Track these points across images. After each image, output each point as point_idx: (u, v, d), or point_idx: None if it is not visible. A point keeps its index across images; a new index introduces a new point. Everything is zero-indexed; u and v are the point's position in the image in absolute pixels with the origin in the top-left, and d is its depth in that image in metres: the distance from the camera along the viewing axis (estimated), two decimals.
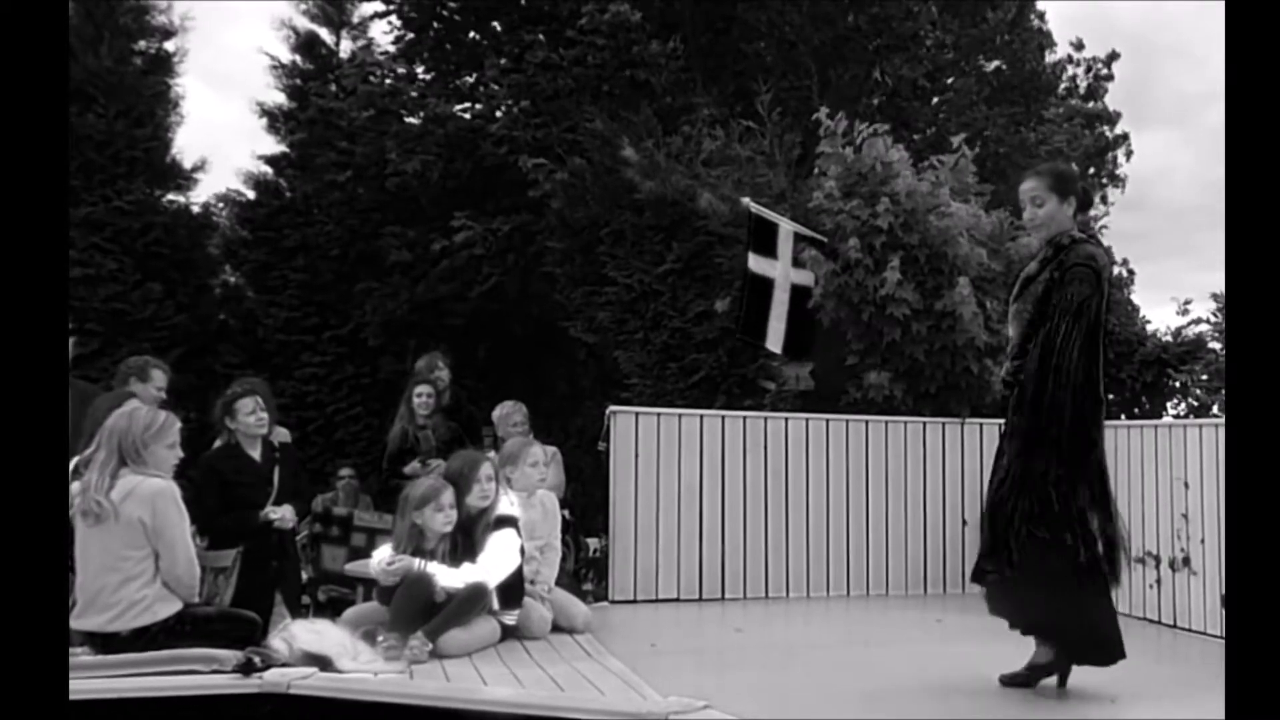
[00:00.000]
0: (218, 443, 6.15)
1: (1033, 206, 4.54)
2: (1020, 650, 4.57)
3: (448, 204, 11.70)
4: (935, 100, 13.52)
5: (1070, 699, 4.47)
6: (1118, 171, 15.66)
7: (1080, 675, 4.53)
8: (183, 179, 12.57)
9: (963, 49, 13.49)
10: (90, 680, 3.49)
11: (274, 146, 13.39)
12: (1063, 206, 4.49)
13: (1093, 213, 13.25)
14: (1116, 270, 9.45)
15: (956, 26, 13.15)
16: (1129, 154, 15.71)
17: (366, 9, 13.44)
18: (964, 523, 7.18)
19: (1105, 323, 4.46)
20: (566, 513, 7.00)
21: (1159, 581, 6.12)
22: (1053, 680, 4.50)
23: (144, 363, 6.12)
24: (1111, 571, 4.41)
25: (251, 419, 5.90)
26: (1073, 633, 4.42)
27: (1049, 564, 4.31)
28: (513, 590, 5.24)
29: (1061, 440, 4.31)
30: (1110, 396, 8.72)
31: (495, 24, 12.89)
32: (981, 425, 7.28)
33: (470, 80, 13.04)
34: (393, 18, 13.10)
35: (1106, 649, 4.44)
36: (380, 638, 4.67)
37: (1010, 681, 4.49)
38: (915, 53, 12.61)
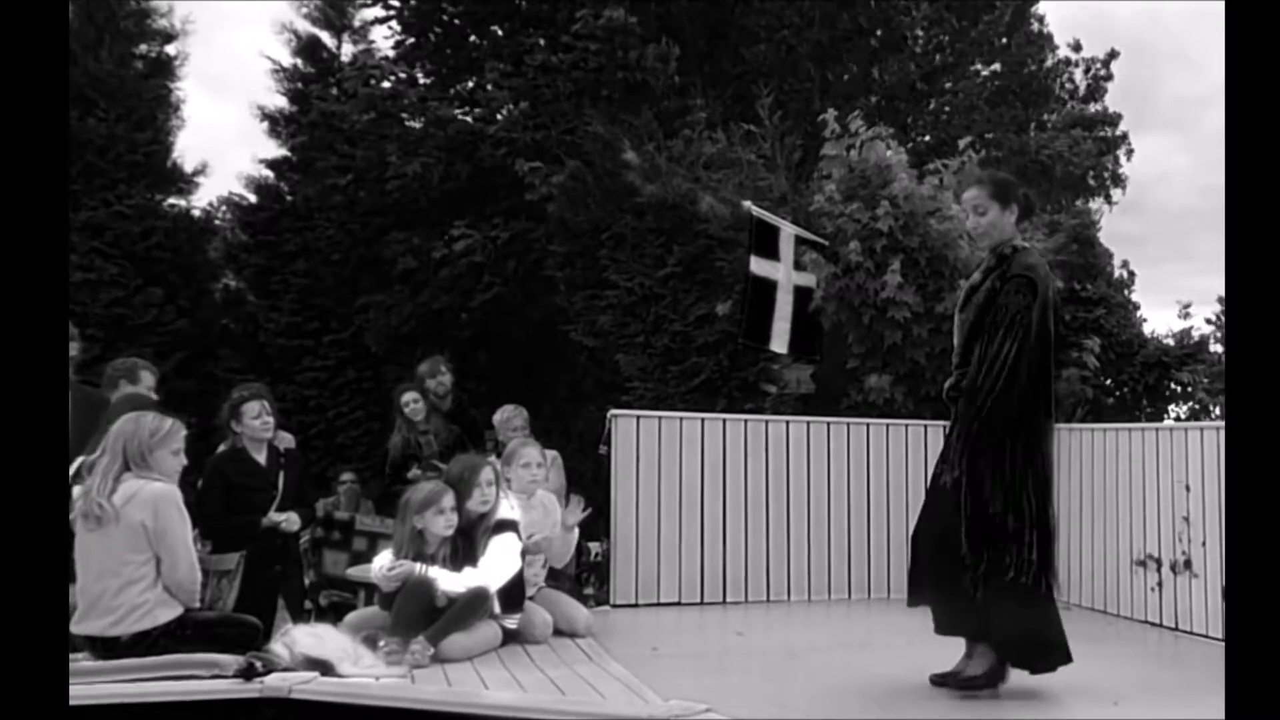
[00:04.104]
0: (222, 447, 6.15)
1: (975, 215, 4.61)
2: None
3: (448, 208, 11.70)
4: (934, 103, 13.54)
5: (1072, 699, 4.47)
6: (1120, 171, 15.64)
7: (1083, 676, 4.53)
8: (183, 183, 12.59)
9: (961, 51, 13.51)
10: (90, 686, 3.49)
11: (275, 150, 13.42)
12: (1004, 214, 4.54)
13: (1094, 210, 13.28)
14: (1117, 272, 9.45)
15: (956, 25, 13.18)
16: (1129, 153, 15.69)
17: (367, 13, 13.46)
18: None
19: (1050, 331, 4.48)
20: None
21: (1160, 584, 6.11)
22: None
23: (132, 364, 6.09)
24: (1048, 580, 4.44)
25: (257, 423, 5.91)
26: (1013, 639, 4.44)
27: (990, 577, 4.35)
28: (514, 594, 5.24)
29: (1001, 450, 4.34)
30: (1110, 400, 8.73)
31: (495, 28, 12.91)
32: None
33: (470, 84, 13.06)
34: (393, 22, 13.12)
35: (1049, 654, 4.46)
36: (381, 642, 4.67)
37: (941, 682, 4.53)
38: (911, 50, 12.64)
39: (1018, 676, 4.55)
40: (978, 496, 4.37)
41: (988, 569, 4.37)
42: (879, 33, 12.69)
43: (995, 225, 4.54)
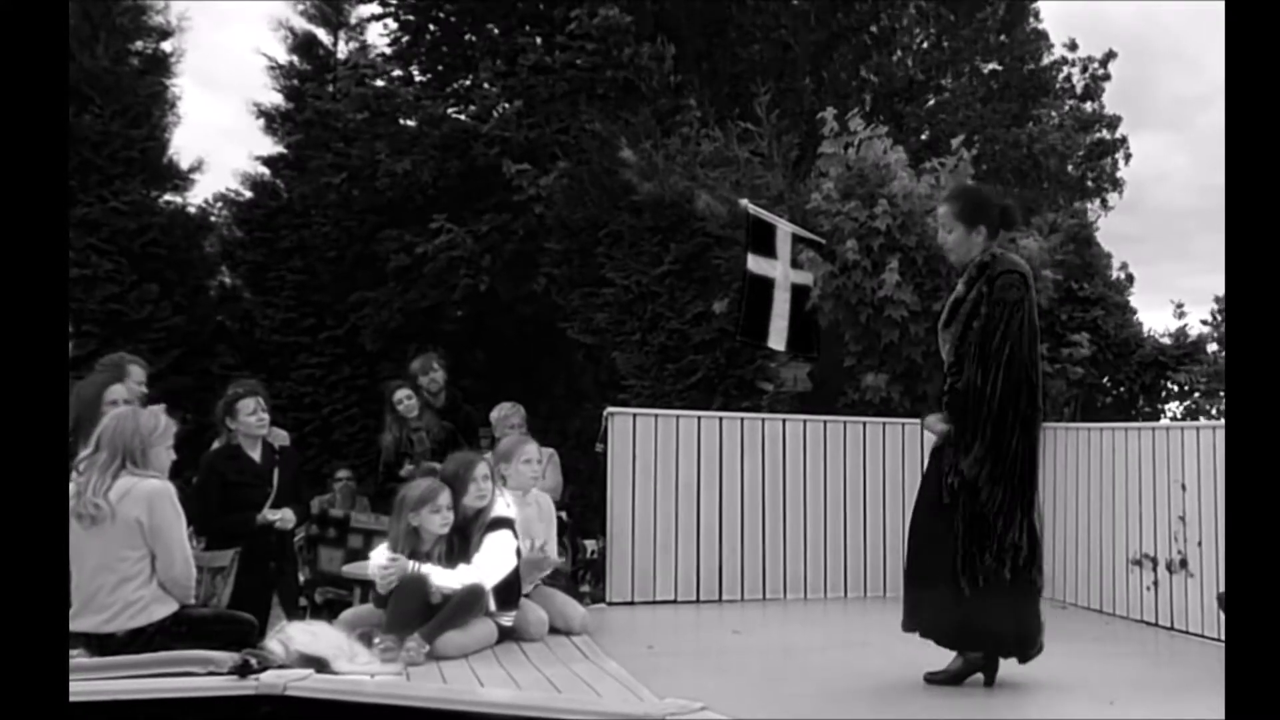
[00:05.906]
0: (217, 443, 6.13)
1: (943, 232, 4.67)
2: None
3: (441, 206, 11.70)
4: (931, 101, 13.53)
5: (1068, 698, 4.48)
6: (1117, 175, 15.60)
7: (1079, 676, 4.54)
8: (179, 179, 12.55)
9: (957, 48, 13.50)
10: (85, 682, 3.47)
11: (271, 147, 13.38)
12: (971, 234, 4.59)
13: (1089, 211, 13.28)
14: (1115, 273, 9.45)
15: (952, 21, 13.17)
16: (1128, 157, 15.65)
17: (364, 10, 13.43)
18: None
19: (1037, 326, 4.53)
20: (564, 515, 6.98)
21: (1156, 584, 6.12)
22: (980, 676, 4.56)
23: (119, 359, 6.08)
24: (1035, 575, 4.50)
25: (253, 419, 5.90)
26: (997, 635, 4.49)
27: (980, 575, 4.39)
28: (509, 591, 5.23)
29: (996, 442, 4.37)
30: (1107, 399, 8.74)
31: (491, 27, 12.89)
32: None
33: (466, 83, 13.04)
34: (389, 20, 13.10)
35: (1025, 644, 4.51)
36: (377, 639, 4.66)
37: (936, 680, 4.56)
38: (901, 43, 12.65)
39: (1013, 675, 4.56)
40: (979, 496, 4.37)
41: (983, 569, 4.39)
42: (874, 30, 12.69)
43: (960, 244, 4.61)
